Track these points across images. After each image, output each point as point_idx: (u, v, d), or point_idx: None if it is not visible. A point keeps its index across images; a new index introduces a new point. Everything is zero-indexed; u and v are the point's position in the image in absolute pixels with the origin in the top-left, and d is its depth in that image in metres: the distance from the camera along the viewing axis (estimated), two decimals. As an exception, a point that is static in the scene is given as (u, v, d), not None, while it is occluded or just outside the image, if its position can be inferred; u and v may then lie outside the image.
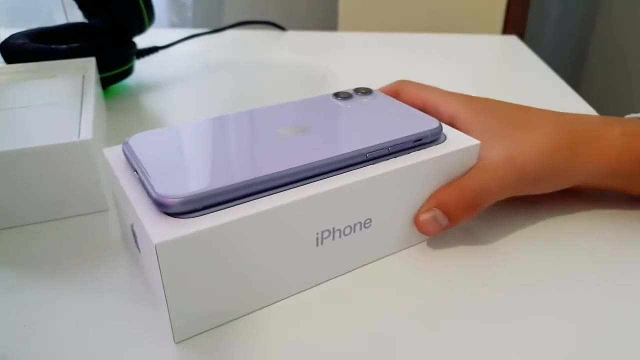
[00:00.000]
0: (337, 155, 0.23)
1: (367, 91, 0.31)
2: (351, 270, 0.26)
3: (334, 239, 0.24)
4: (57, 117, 0.33)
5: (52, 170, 0.29)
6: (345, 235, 0.24)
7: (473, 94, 0.32)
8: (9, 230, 0.29)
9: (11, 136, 0.31)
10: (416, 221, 0.27)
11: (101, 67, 0.45)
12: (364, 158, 0.24)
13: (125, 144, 0.24)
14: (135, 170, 0.23)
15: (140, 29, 0.49)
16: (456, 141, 0.27)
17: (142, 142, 0.24)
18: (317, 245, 0.24)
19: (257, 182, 0.21)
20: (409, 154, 0.25)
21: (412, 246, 0.28)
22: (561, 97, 0.50)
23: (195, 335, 0.22)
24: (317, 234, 0.23)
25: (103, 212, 0.31)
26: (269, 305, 0.24)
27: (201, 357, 0.21)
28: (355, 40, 0.70)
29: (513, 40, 0.70)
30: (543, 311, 0.24)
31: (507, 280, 0.26)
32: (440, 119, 0.29)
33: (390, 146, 0.25)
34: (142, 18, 0.48)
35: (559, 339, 0.22)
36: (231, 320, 0.23)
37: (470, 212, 0.27)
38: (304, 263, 0.24)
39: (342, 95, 0.30)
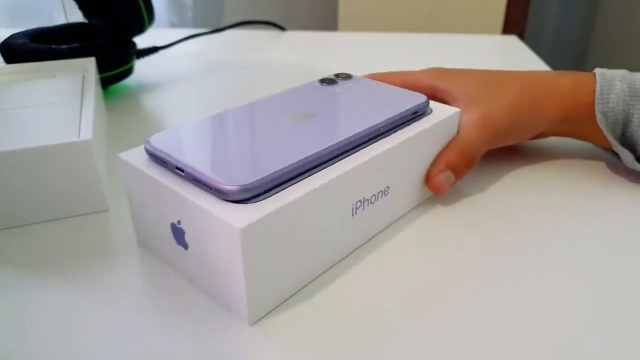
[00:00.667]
0: (359, 132, 0.26)
1: (347, 76, 0.34)
2: (376, 235, 0.29)
3: (364, 208, 0.27)
4: (57, 117, 0.33)
5: (52, 170, 0.29)
6: (371, 204, 0.27)
7: None
8: (9, 230, 0.29)
9: (11, 136, 0.31)
10: (431, 183, 0.30)
11: (101, 67, 0.45)
12: (379, 132, 0.27)
13: (149, 144, 0.24)
14: (178, 168, 0.23)
15: (140, 29, 0.49)
16: (440, 111, 0.30)
17: (168, 141, 0.25)
18: (352, 215, 0.26)
19: (304, 163, 0.23)
20: (409, 126, 0.28)
21: (418, 205, 0.32)
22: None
23: (264, 316, 0.23)
24: (353, 204, 0.26)
25: (103, 212, 0.31)
26: (321, 274, 0.26)
27: (276, 337, 0.22)
28: (355, 40, 0.70)
29: (513, 40, 0.70)
30: (549, 247, 0.28)
31: (502, 225, 0.30)
32: (420, 91, 0.32)
33: (396, 120, 0.28)
34: (142, 18, 0.48)
35: (562, 273, 0.25)
36: (292, 295, 0.24)
37: (470, 166, 0.32)
38: (344, 232, 0.26)
39: (327, 81, 0.33)
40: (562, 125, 0.34)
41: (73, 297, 0.24)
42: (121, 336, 0.22)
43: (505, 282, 0.25)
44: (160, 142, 0.24)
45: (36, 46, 0.44)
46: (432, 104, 0.31)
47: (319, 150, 0.24)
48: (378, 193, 0.27)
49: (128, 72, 0.50)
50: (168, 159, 0.23)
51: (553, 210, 0.31)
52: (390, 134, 0.27)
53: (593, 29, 1.55)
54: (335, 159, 0.25)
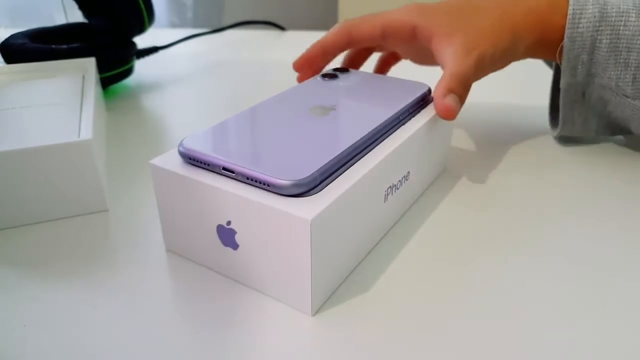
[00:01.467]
0: (383, 122, 0.27)
1: (345, 70, 0.35)
2: (401, 217, 0.30)
3: (392, 194, 0.28)
4: (57, 117, 0.33)
5: (52, 170, 0.29)
6: (397, 190, 0.28)
7: (473, 93, 0.33)
8: (8, 230, 0.29)
9: (11, 136, 0.31)
10: (441, 107, 0.30)
11: (101, 67, 0.45)
12: (398, 121, 0.28)
13: (185, 147, 0.24)
14: (225, 168, 0.23)
15: (140, 29, 0.50)
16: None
17: (204, 142, 0.24)
18: (385, 201, 0.27)
19: (346, 154, 0.24)
20: (419, 113, 0.30)
21: (430, 185, 0.34)
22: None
23: (322, 306, 0.24)
24: (385, 191, 0.27)
25: (103, 212, 0.31)
26: (365, 257, 0.27)
27: (340, 325, 0.23)
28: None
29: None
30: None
31: (501, 199, 0.31)
32: (403, 35, 0.34)
33: (410, 108, 0.29)
34: (142, 18, 0.49)
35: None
36: (343, 281, 0.25)
37: (467, 91, 0.32)
38: (379, 219, 0.27)
39: (329, 76, 0.34)
40: (537, 49, 0.35)
41: (73, 297, 0.24)
42: (122, 338, 0.22)
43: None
44: (197, 144, 0.24)
45: (36, 46, 0.44)
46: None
47: (355, 141, 0.25)
48: (402, 178, 0.28)
49: (128, 72, 0.50)
50: (212, 160, 0.23)
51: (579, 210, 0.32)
52: (406, 121, 0.29)
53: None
54: (367, 149, 0.25)
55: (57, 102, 0.36)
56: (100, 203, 0.31)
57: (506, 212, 0.31)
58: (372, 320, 0.23)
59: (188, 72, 0.57)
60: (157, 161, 0.25)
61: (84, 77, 0.40)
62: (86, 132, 0.30)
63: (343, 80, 0.33)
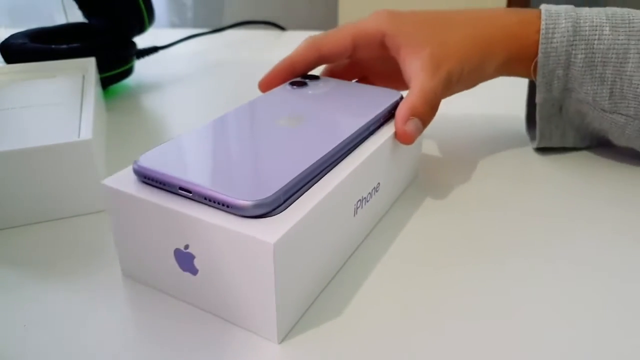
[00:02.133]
0: (353, 133, 0.26)
1: (314, 77, 0.34)
2: (371, 230, 0.29)
3: (362, 207, 0.26)
4: (57, 117, 0.33)
5: (52, 170, 0.29)
6: (367, 202, 0.27)
7: (472, 94, 0.33)
8: (8, 230, 0.29)
9: (11, 136, 0.31)
10: (400, 133, 0.28)
11: (101, 67, 0.45)
12: (369, 131, 0.27)
13: (140, 165, 0.22)
14: (182, 188, 0.21)
15: (141, 29, 0.50)
16: None
17: (161, 159, 0.23)
18: (354, 215, 0.26)
19: (312, 170, 0.23)
20: (390, 122, 0.29)
21: (400, 194, 0.33)
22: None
23: (289, 332, 0.22)
24: (354, 205, 0.25)
25: (103, 212, 0.31)
26: (335, 276, 0.26)
27: (308, 353, 0.22)
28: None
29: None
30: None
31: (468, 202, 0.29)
32: (373, 45, 0.33)
33: (381, 117, 0.28)
34: (142, 18, 0.48)
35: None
36: (311, 304, 0.24)
37: (434, 111, 0.30)
38: (349, 234, 0.26)
39: (298, 84, 0.32)
40: (510, 65, 0.34)
41: (73, 297, 0.24)
42: (121, 338, 0.22)
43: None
44: (153, 162, 0.22)
45: (36, 46, 0.44)
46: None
47: (323, 155, 0.23)
48: (372, 190, 0.27)
49: (128, 72, 0.50)
50: (169, 179, 0.22)
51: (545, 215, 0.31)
52: (377, 131, 0.28)
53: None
54: (336, 162, 0.24)
55: (57, 102, 0.36)
56: (100, 203, 0.31)
57: (483, 219, 0.30)
58: (344, 347, 0.22)
59: (188, 72, 0.57)
60: (110, 181, 0.23)
61: (84, 77, 0.40)
62: (86, 132, 0.30)
63: (313, 88, 0.32)
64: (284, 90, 0.32)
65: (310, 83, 0.33)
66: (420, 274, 0.26)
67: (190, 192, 0.21)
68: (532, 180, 0.35)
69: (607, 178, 0.34)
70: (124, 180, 0.23)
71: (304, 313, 0.23)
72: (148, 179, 0.22)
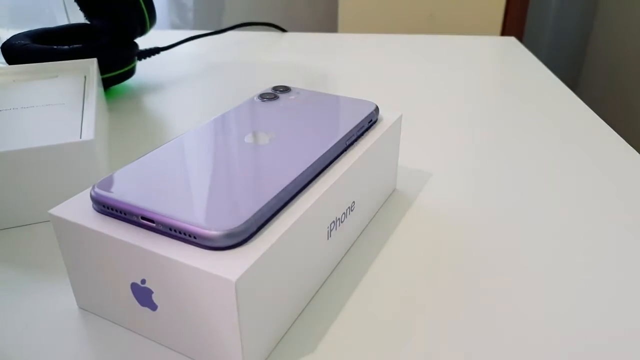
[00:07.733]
0: (327, 150, 0.24)
1: (285, 89, 0.32)
2: (347, 251, 0.27)
3: (336, 229, 0.25)
4: (59, 118, 0.33)
5: (53, 170, 0.29)
6: (342, 222, 0.26)
7: (472, 95, 0.33)
8: (9, 230, 0.29)
9: (13, 136, 0.31)
10: None
11: (103, 68, 0.45)
12: (344, 146, 0.26)
13: (98, 193, 0.21)
14: (145, 218, 0.20)
15: (142, 30, 0.50)
16: (386, 115, 0.30)
17: (120, 186, 0.21)
18: (328, 238, 0.24)
19: (284, 194, 0.21)
20: (365, 136, 0.28)
21: (379, 210, 0.31)
22: (559, 98, 0.50)
23: None
24: (328, 227, 0.24)
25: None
26: (308, 304, 0.24)
27: None
28: (355, 41, 0.70)
29: (511, 41, 0.71)
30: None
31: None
32: None
33: (356, 131, 0.27)
34: (144, 19, 0.49)
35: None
36: (282, 336, 0.22)
37: None
38: (322, 259, 0.24)
39: (269, 97, 0.31)
40: None
41: (73, 297, 0.24)
42: (117, 339, 0.22)
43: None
44: (112, 189, 0.21)
45: (38, 47, 0.44)
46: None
47: (295, 177, 0.22)
48: (347, 210, 0.26)
49: (130, 73, 0.50)
50: (130, 208, 0.20)
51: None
52: (352, 147, 0.26)
53: (591, 31, 1.55)
54: (310, 182, 0.23)
55: (59, 102, 0.36)
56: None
57: (466, 233, 0.29)
58: None
59: (189, 73, 0.57)
60: (58, 211, 0.21)
61: (85, 77, 0.40)
62: (88, 133, 0.31)
63: (284, 100, 0.30)
64: (253, 104, 0.30)
65: (282, 95, 0.31)
66: (399, 300, 0.24)
67: (153, 222, 0.19)
68: (511, 189, 0.35)
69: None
70: (76, 209, 0.21)
71: (274, 348, 0.22)
72: (107, 208, 0.20)
